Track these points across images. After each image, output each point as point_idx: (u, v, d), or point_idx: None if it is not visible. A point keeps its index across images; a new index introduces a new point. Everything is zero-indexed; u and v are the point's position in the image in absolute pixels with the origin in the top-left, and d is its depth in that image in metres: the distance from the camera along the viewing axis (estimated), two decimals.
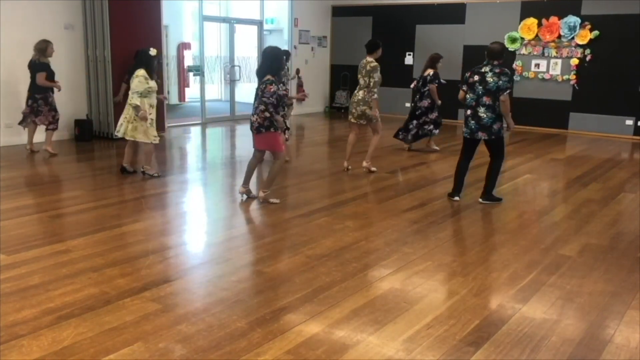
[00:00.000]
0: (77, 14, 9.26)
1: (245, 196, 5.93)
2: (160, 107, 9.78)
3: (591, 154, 9.16)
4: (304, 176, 7.09)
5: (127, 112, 6.60)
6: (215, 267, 4.16)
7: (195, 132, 11.03)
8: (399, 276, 3.99)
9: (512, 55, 11.81)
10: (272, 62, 5.52)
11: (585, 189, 6.77)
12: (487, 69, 5.66)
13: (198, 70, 12.47)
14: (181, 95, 15.72)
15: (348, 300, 3.56)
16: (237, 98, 12.82)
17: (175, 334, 3.08)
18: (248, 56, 13.71)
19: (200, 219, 5.57)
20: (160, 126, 9.86)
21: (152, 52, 6.59)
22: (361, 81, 7.02)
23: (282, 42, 13.57)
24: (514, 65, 11.70)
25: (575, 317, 3.43)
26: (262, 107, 5.44)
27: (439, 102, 8.64)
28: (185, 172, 7.61)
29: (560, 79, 11.42)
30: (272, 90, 5.39)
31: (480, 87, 5.64)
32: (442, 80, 8.58)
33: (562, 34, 11.23)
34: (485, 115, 5.63)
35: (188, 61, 15.66)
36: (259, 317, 3.29)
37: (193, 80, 15.29)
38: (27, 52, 8.55)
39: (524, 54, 11.73)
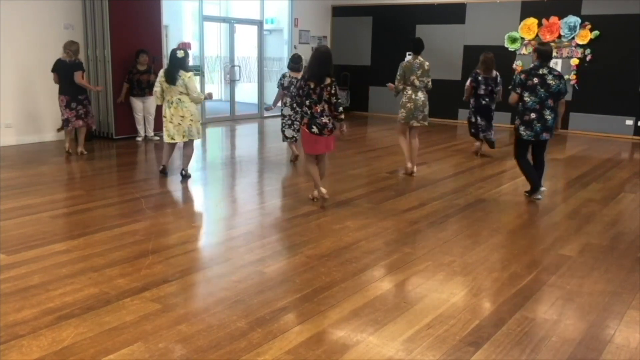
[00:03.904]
0: (77, 14, 9.26)
1: (316, 199, 5.83)
2: (159, 107, 9.80)
3: (591, 154, 9.16)
4: (303, 176, 7.08)
5: (188, 112, 6.54)
6: (215, 267, 4.16)
7: None
8: (399, 276, 3.99)
9: (512, 55, 11.82)
10: (330, 63, 5.59)
11: (586, 189, 6.77)
12: (545, 71, 5.73)
13: (198, 70, 12.47)
14: None
15: (348, 300, 3.56)
16: (237, 98, 12.81)
17: (175, 334, 3.08)
18: (248, 56, 13.70)
19: (200, 219, 5.58)
20: (159, 126, 9.89)
21: (180, 54, 6.50)
22: (417, 82, 6.90)
23: (282, 42, 13.58)
24: (514, 65, 11.70)
25: (575, 317, 3.43)
26: (340, 108, 5.59)
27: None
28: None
29: None
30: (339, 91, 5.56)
31: (543, 90, 5.69)
32: None
33: (562, 34, 11.23)
34: (550, 117, 5.77)
35: None
36: (259, 317, 3.29)
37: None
38: (26, 52, 8.58)
39: (524, 54, 11.72)
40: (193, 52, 15.46)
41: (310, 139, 5.62)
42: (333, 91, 5.50)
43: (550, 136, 5.89)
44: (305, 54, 13.36)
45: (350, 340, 3.07)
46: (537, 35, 11.50)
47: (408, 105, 6.98)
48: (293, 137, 7.68)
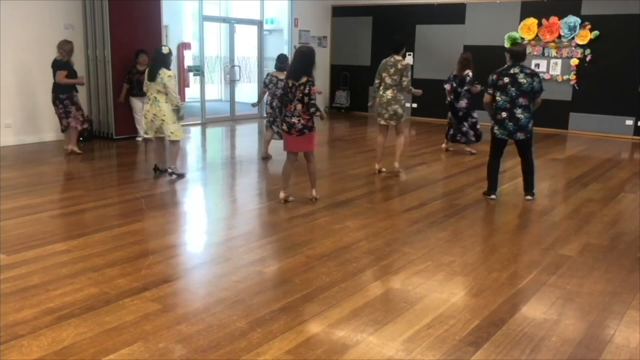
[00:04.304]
0: (77, 14, 9.26)
1: (284, 201, 5.81)
2: None
3: (591, 154, 9.16)
4: (303, 176, 7.08)
5: (161, 112, 6.54)
6: (215, 267, 4.16)
7: (195, 132, 11.02)
8: (399, 276, 3.99)
9: None
10: (309, 63, 5.51)
11: (585, 189, 6.77)
12: (516, 70, 5.75)
13: (198, 70, 12.47)
14: (181, 95, 15.69)
15: (348, 300, 3.56)
16: (237, 98, 12.81)
17: (175, 334, 3.08)
18: (248, 56, 13.70)
19: (200, 219, 5.58)
20: None
21: (165, 50, 6.60)
22: (388, 80, 6.91)
23: (282, 42, 13.59)
24: None
25: (575, 317, 3.43)
26: (313, 109, 5.48)
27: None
28: (186, 171, 7.60)
29: (560, 79, 11.42)
30: (315, 91, 5.48)
31: (514, 89, 5.71)
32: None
33: (562, 34, 11.23)
34: (522, 116, 5.74)
35: (188, 61, 15.66)
36: (259, 317, 3.29)
37: (193, 80, 15.29)
38: (26, 52, 8.58)
39: None
40: (193, 52, 15.52)
41: (284, 136, 5.74)
42: (306, 91, 5.42)
43: (526, 136, 5.83)
44: None
45: (350, 340, 3.07)
46: (537, 35, 11.50)
47: (376, 100, 7.11)
48: (278, 132, 7.79)
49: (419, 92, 7.43)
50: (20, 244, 4.41)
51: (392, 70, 6.90)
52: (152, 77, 6.53)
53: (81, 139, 9.09)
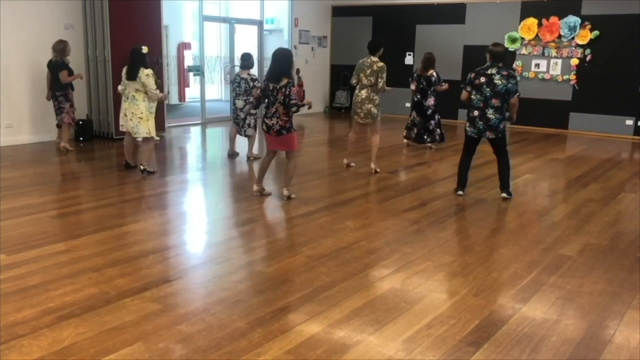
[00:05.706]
0: (77, 14, 9.26)
1: (259, 194, 6.02)
2: (160, 107, 9.80)
3: (591, 154, 9.16)
4: (304, 176, 7.08)
5: (138, 110, 6.65)
6: (215, 267, 4.16)
7: (195, 132, 11.03)
8: (399, 276, 3.99)
9: (512, 55, 11.81)
10: (288, 64, 5.56)
11: (586, 188, 6.77)
12: (493, 70, 5.76)
13: (198, 70, 12.47)
14: (181, 95, 15.73)
15: (348, 300, 3.56)
16: None
17: (175, 334, 3.08)
18: None
19: (200, 219, 5.58)
20: (160, 126, 9.88)
21: (144, 49, 6.63)
22: (365, 80, 7.01)
23: (282, 42, 13.58)
24: (514, 65, 11.70)
25: (576, 317, 3.43)
26: (294, 108, 5.52)
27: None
28: (185, 171, 7.61)
29: (560, 79, 11.42)
30: (295, 92, 5.53)
31: (488, 89, 5.74)
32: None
33: (562, 34, 11.23)
34: (493, 117, 5.77)
35: (188, 61, 15.67)
36: (259, 317, 3.29)
37: (193, 80, 15.31)
38: (27, 53, 8.59)
39: (524, 54, 11.73)
40: (193, 52, 15.52)
41: (264, 135, 5.83)
42: (287, 92, 5.46)
43: (497, 135, 5.85)
44: (306, 54, 13.25)
45: (350, 340, 3.07)
46: (537, 35, 11.51)
47: (353, 100, 7.22)
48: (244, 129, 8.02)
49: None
50: (20, 244, 4.41)
51: (368, 71, 6.99)
52: (133, 76, 6.60)
53: (81, 138, 9.13)
